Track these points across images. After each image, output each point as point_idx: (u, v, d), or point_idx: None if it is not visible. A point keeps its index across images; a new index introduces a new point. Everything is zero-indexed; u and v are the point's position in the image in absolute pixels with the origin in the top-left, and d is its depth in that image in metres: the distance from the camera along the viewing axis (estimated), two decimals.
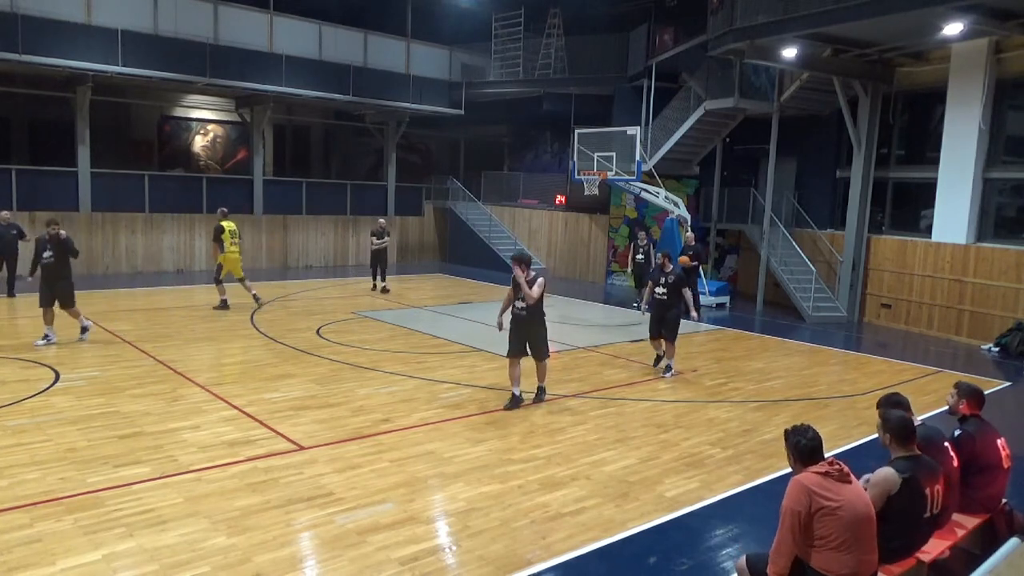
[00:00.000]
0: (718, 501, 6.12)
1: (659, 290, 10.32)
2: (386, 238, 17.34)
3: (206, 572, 4.63)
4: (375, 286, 17.17)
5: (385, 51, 21.93)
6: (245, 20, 19.17)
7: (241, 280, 14.27)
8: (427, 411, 8.19)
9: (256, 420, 7.58)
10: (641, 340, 12.68)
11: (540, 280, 8.30)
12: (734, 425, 8.17)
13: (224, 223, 14.00)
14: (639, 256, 16.06)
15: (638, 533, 5.45)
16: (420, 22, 22.60)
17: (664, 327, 10.21)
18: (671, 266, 10.64)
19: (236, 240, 14.12)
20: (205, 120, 23.13)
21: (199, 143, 23.17)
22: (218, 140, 23.52)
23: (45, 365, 9.39)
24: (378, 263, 17.22)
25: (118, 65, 17.04)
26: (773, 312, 16.84)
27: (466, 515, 5.60)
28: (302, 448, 6.85)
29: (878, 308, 16.09)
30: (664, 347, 10.42)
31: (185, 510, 5.47)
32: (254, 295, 14.44)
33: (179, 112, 22.67)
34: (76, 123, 17.87)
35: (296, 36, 20.07)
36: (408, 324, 13.20)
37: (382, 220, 18.04)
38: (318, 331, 12.26)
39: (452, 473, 6.41)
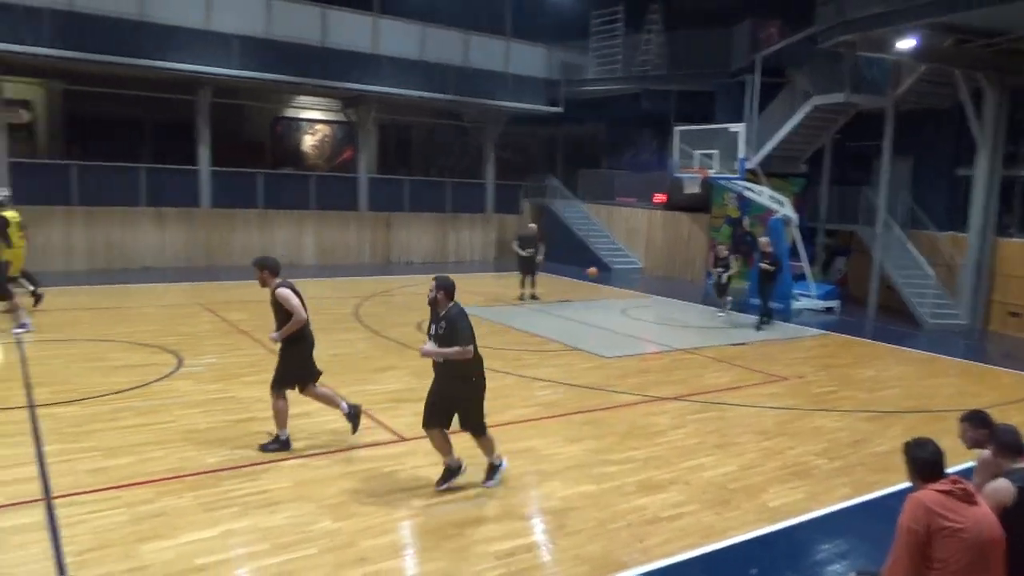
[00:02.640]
0: (825, 514, 5.89)
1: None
2: (532, 250, 15.79)
3: (313, 554, 4.84)
4: (523, 295, 16.00)
5: (485, 50, 22.19)
6: (351, 23, 19.81)
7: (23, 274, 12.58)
8: (524, 408, 8.25)
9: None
10: (743, 344, 12.36)
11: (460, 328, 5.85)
12: (843, 435, 7.83)
13: (7, 213, 11.98)
14: (719, 269, 14.58)
15: (739, 543, 5.32)
16: (519, 21, 22.73)
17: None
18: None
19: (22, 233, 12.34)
20: (314, 120, 24.08)
21: (308, 142, 24.15)
22: (326, 139, 24.43)
23: (169, 351, 10.02)
24: (526, 270, 16.04)
25: (235, 68, 17.98)
26: (886, 317, 16.02)
27: (563, 514, 5.61)
28: (403, 439, 7.04)
29: (1005, 316, 15.02)
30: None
31: (294, 493, 5.73)
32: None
33: (290, 113, 23.70)
34: (197, 124, 18.98)
35: (400, 37, 20.59)
36: (505, 321, 13.32)
37: (532, 225, 17.31)
38: (419, 325, 12.55)
39: (549, 471, 6.43)
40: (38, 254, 17.16)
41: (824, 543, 5.45)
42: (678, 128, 18.09)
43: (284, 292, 6.57)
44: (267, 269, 6.70)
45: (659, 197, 22.91)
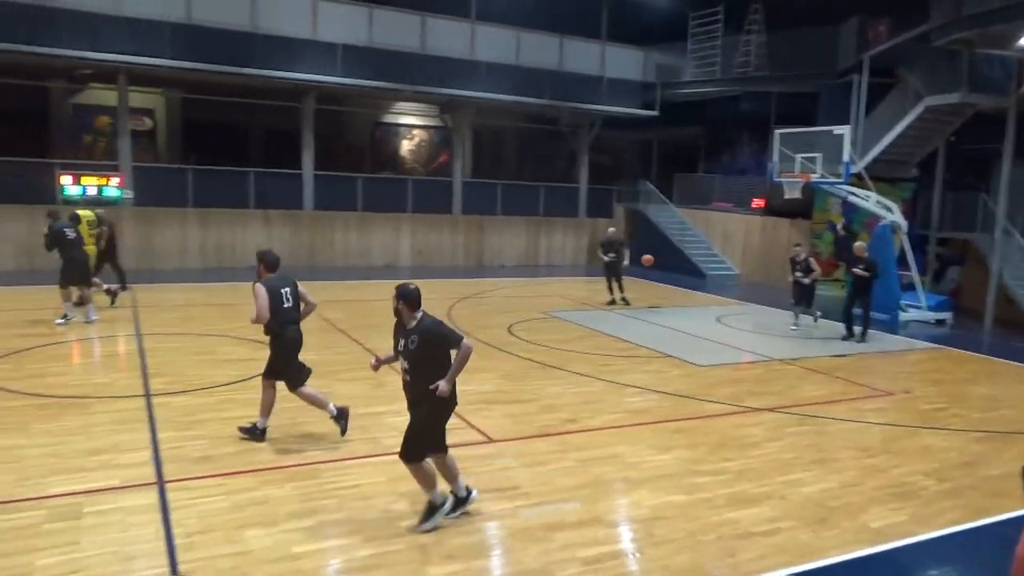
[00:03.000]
0: (931, 539, 5.57)
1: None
2: (614, 254, 15.69)
3: (402, 549, 4.97)
4: (612, 299, 15.83)
5: (580, 54, 22.16)
6: (449, 29, 20.20)
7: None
8: (613, 414, 8.19)
9: None
10: (845, 355, 11.86)
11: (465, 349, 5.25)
12: (953, 456, 7.39)
13: (81, 212, 12.94)
14: (798, 273, 13.65)
15: (837, 564, 5.10)
16: (615, 24, 22.59)
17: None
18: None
19: (95, 232, 13.17)
20: (411, 125, 24.69)
21: (406, 147, 24.78)
22: (422, 144, 25.01)
23: None
24: (612, 274, 15.88)
25: (338, 76, 18.66)
26: (1005, 332, 14.99)
27: (651, 523, 5.54)
28: (492, 440, 7.12)
29: None
30: None
31: (386, 489, 5.89)
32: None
33: (389, 118, 24.39)
34: (302, 130, 19.81)
35: (495, 42, 20.82)
36: (596, 326, 13.26)
37: (612, 229, 17.21)
38: (509, 328, 12.66)
39: (637, 479, 6.36)
40: (156, 253, 18.42)
41: (929, 569, 5.16)
42: (779, 131, 17.52)
43: (258, 288, 6.73)
44: (262, 263, 6.93)
45: (757, 202, 22.25)
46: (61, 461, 6.13)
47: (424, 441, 5.32)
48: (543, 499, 5.84)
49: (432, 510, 5.29)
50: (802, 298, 13.79)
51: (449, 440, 7.05)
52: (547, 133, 26.05)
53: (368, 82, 19.17)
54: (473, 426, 7.50)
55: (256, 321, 6.73)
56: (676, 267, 22.12)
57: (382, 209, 21.11)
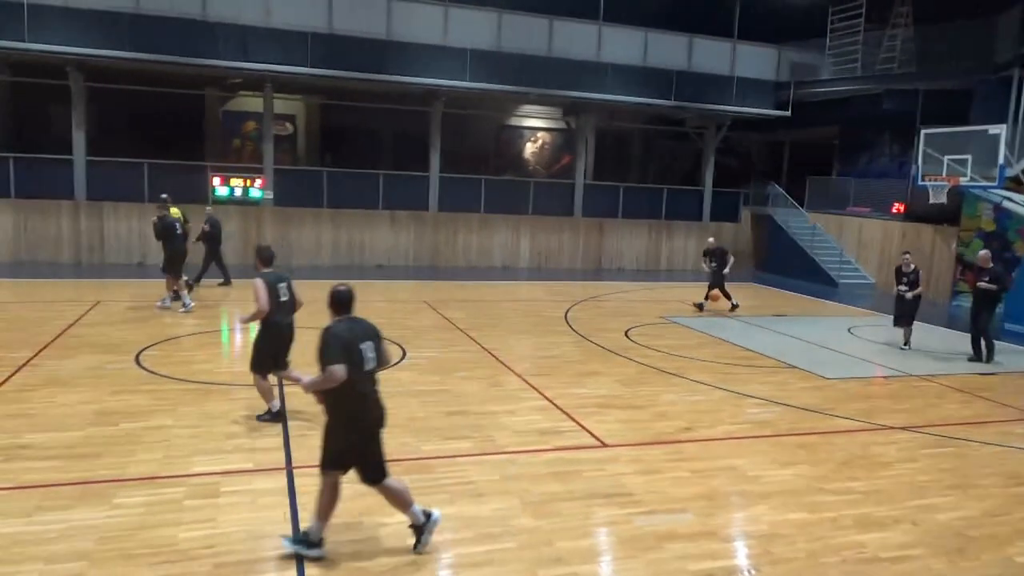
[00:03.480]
0: None
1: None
2: (717, 263, 15.17)
3: (512, 547, 5.03)
4: (702, 304, 15.34)
5: (709, 53, 21.58)
6: (576, 32, 20.21)
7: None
8: (732, 425, 7.94)
9: (564, 412, 8.00)
10: (992, 374, 10.95)
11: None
12: None
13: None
14: (902, 287, 12.29)
15: None
16: (747, 21, 21.84)
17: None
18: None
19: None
20: (535, 128, 24.91)
21: (529, 149, 25.04)
22: (546, 146, 25.18)
23: (395, 343, 10.88)
24: (715, 283, 15.31)
25: (467, 80, 19.11)
26: None
27: (769, 540, 5.33)
28: (605, 445, 7.08)
29: None
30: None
31: (499, 487, 5.98)
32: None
33: (514, 121, 24.71)
34: (430, 133, 20.44)
35: (622, 44, 20.62)
36: (717, 333, 12.88)
37: (711, 239, 16.53)
38: (626, 333, 12.53)
39: (756, 493, 6.14)
40: (292, 250, 19.54)
41: None
42: (925, 131, 16.37)
43: (257, 282, 7.03)
44: (258, 258, 7.32)
45: (897, 207, 20.87)
46: (203, 442, 6.64)
47: (332, 454, 4.89)
48: (656, 507, 5.75)
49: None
50: (902, 316, 12.33)
51: (563, 442, 7.11)
52: (673, 134, 25.57)
53: (495, 86, 19.51)
54: (586, 429, 7.48)
55: (257, 315, 7.07)
56: (806, 274, 21.11)
57: (504, 211, 21.42)
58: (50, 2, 16.10)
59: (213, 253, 15.28)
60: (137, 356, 9.47)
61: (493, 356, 10.44)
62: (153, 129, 19.84)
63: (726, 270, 15.26)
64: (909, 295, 12.11)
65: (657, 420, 7.94)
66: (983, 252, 12.04)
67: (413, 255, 20.65)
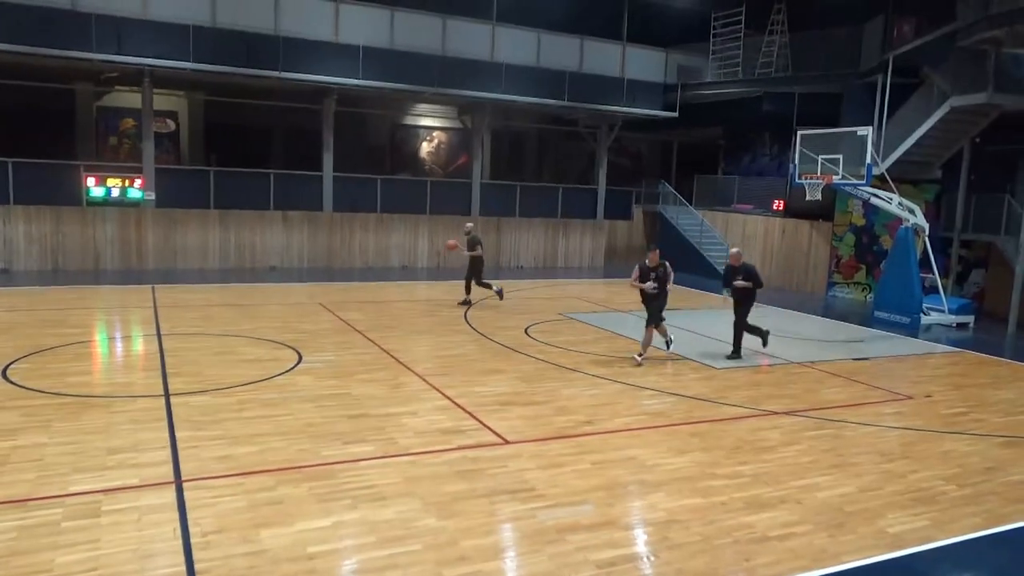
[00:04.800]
0: (951, 544, 5.49)
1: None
2: (476, 250, 14.82)
3: (417, 550, 4.97)
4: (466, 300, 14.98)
5: (600, 55, 22.10)
6: (469, 32, 20.24)
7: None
8: (629, 416, 8.16)
9: (466, 411, 7.99)
10: (866, 359, 11.75)
11: None
12: (974, 461, 7.28)
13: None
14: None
15: (854, 569, 5.04)
16: (636, 25, 22.52)
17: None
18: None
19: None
20: (431, 127, 24.77)
21: (425, 149, 24.87)
22: (442, 146, 25.08)
23: (291, 347, 10.57)
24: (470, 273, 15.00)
25: (359, 79, 18.76)
26: None
27: (666, 526, 5.51)
28: (507, 442, 7.12)
29: None
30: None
31: (402, 489, 5.91)
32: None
33: (409, 120, 24.48)
34: (323, 132, 19.94)
35: (516, 44, 20.81)
36: (613, 328, 13.22)
37: (469, 223, 16.26)
38: (526, 330, 12.66)
39: (653, 481, 6.33)
40: (177, 253, 18.62)
41: (950, 575, 5.09)
42: (801, 132, 17.38)
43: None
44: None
45: (778, 204, 22.08)
46: (81, 459, 6.22)
47: None
48: (558, 501, 5.83)
49: None
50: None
51: (466, 441, 7.11)
52: (566, 134, 26.03)
53: (389, 84, 19.24)
54: (488, 427, 7.50)
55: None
56: (695, 269, 21.99)
57: (401, 210, 21.19)
58: None
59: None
60: (4, 370, 8.77)
61: (393, 357, 10.31)
62: (17, 125, 18.41)
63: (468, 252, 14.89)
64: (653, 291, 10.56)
65: (558, 415, 8.06)
66: (734, 250, 11.57)
67: (308, 256, 20.12)
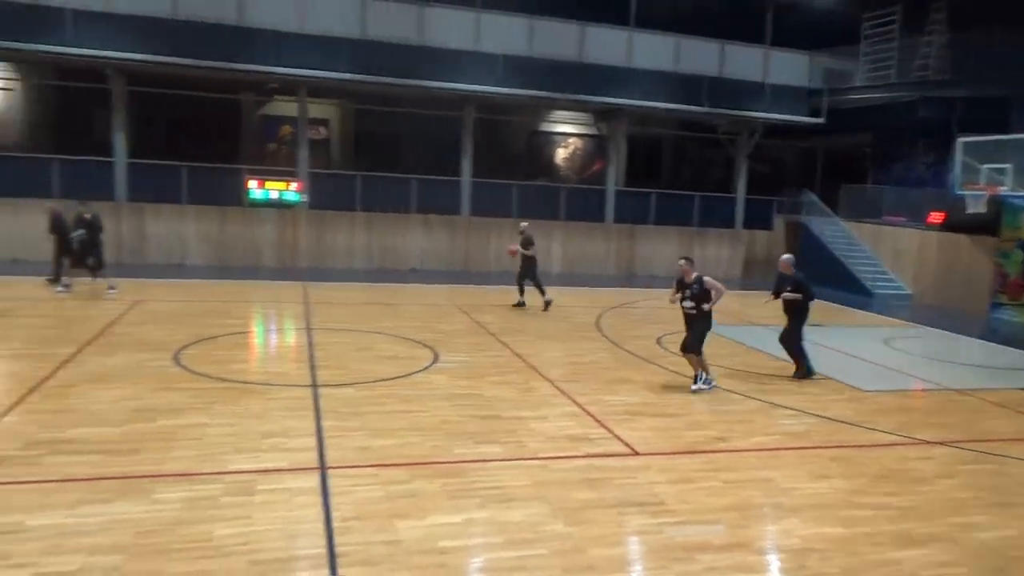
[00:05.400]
0: None
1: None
2: (530, 250, 14.63)
3: (544, 554, 5.02)
4: (521, 302, 14.75)
5: (741, 59, 21.44)
6: (608, 38, 20.21)
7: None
8: (765, 436, 7.86)
9: (596, 419, 7.98)
10: None
11: None
12: None
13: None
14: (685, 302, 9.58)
15: None
16: (780, 27, 21.65)
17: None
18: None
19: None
20: (567, 134, 24.93)
21: (560, 155, 25.06)
22: (577, 152, 25.18)
23: (428, 347, 10.96)
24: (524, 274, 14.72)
25: (498, 86, 19.19)
26: None
27: (802, 554, 5.27)
28: (637, 453, 7.05)
29: None
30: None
31: (530, 493, 5.99)
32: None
33: (545, 127, 24.76)
34: (462, 138, 20.55)
35: (654, 49, 20.57)
36: (750, 342, 12.76)
37: (524, 223, 15.90)
38: (658, 340, 12.47)
39: (789, 506, 6.07)
40: (326, 252, 19.77)
41: None
42: (962, 139, 16.09)
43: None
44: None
45: (935, 216, 20.52)
46: (239, 441, 6.74)
47: None
48: (688, 518, 5.71)
49: None
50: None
51: (594, 449, 7.10)
52: (704, 141, 25.41)
53: (527, 91, 19.58)
54: (618, 437, 7.46)
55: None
56: (840, 284, 20.81)
57: (536, 216, 21.42)
58: (92, 7, 16.49)
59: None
60: (176, 355, 9.64)
61: (524, 361, 10.45)
62: (191, 133, 20.21)
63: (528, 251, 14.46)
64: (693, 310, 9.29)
65: (690, 429, 7.89)
66: (785, 257, 10.77)
67: (446, 259, 20.77)
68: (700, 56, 21.02)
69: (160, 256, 18.64)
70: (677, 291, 9.34)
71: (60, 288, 13.76)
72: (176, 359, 9.46)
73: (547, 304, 14.53)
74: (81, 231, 13.88)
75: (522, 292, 14.74)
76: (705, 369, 9.39)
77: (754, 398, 9.24)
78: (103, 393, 7.88)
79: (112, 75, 17.77)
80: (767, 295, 10.72)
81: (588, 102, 20.52)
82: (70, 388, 8.01)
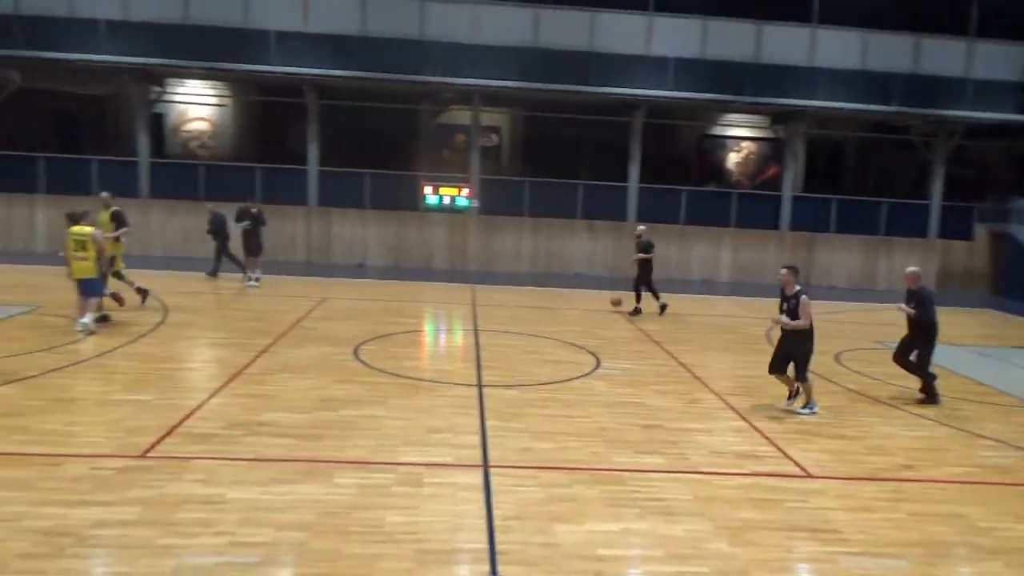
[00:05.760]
0: None
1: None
2: (646, 253, 14.17)
3: (705, 572, 4.87)
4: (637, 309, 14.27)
5: (939, 53, 19.63)
6: (786, 35, 19.26)
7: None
8: (960, 467, 7.13)
9: (764, 437, 7.62)
10: None
11: None
12: None
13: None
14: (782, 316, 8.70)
15: None
16: (986, 16, 19.58)
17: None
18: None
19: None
20: (740, 137, 24.01)
21: (733, 160, 24.18)
22: (750, 157, 24.18)
23: (590, 352, 10.97)
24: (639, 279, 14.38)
25: (669, 90, 18.87)
26: None
27: None
28: (810, 476, 6.65)
29: None
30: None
31: (692, 508, 5.82)
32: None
33: (717, 130, 23.99)
34: (630, 144, 20.39)
35: (838, 46, 19.38)
36: (945, 363, 11.60)
37: (641, 227, 15.27)
38: (836, 357, 11.69)
39: (988, 547, 5.46)
40: (494, 257, 20.34)
41: None
42: None
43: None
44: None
45: None
46: (409, 434, 7.10)
47: None
48: (866, 550, 5.30)
49: None
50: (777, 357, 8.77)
51: (763, 468, 6.77)
52: (893, 143, 23.49)
53: (699, 95, 19.12)
54: (789, 457, 7.07)
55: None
56: None
57: (704, 223, 20.85)
58: (293, 28, 18.09)
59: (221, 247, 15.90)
60: (356, 349, 10.32)
61: (689, 371, 10.19)
62: (375, 142, 21.57)
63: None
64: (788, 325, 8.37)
65: (871, 454, 7.32)
66: (910, 270, 9.64)
67: (611, 265, 20.69)
68: (891, 51, 19.52)
69: (344, 257, 20.05)
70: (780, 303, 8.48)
71: (251, 281, 15.24)
72: (356, 354, 10.12)
73: (663, 308, 14.39)
74: (247, 222, 15.45)
75: (639, 299, 14.47)
76: (795, 392, 8.57)
77: (948, 425, 8.43)
78: (294, 382, 8.60)
79: (307, 90, 19.36)
80: (955, 310, 9.66)
81: (766, 104, 19.66)
82: (266, 376, 8.81)
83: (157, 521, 5.09)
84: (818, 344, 12.36)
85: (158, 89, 20.33)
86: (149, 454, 6.25)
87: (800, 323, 8.13)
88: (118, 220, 12.18)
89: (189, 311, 12.48)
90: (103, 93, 22.00)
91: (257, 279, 15.34)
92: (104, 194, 12.84)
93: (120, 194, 18.63)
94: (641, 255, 14.35)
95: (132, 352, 9.66)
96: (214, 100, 22.47)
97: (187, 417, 7.20)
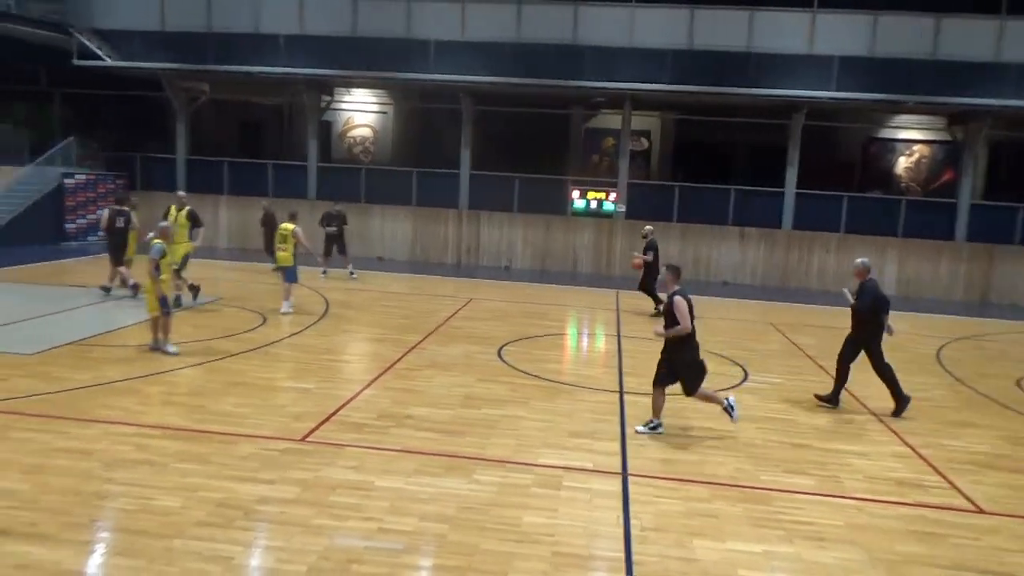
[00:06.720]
0: None
1: None
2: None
3: None
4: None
5: None
6: (969, 29, 17.65)
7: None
8: None
9: (930, 465, 7.04)
10: None
11: None
12: None
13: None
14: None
15: None
16: None
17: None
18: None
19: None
20: (911, 140, 22.27)
21: (902, 164, 22.46)
22: (923, 161, 22.36)
23: (738, 364, 10.59)
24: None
25: (834, 91, 17.83)
26: None
27: None
28: (982, 511, 6.07)
29: None
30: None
31: (844, 535, 5.49)
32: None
33: (885, 133, 22.39)
34: (788, 147, 19.46)
35: None
36: None
37: (649, 226, 15.10)
38: (1019, 382, 10.59)
39: None
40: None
41: None
42: None
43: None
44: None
45: None
46: (549, 436, 7.17)
47: None
48: None
49: None
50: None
51: (926, 499, 6.27)
52: None
53: (867, 95, 17.96)
54: (958, 489, 6.49)
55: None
56: None
57: (867, 231, 19.52)
58: (451, 38, 18.78)
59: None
60: (500, 350, 10.56)
61: (846, 390, 9.57)
62: (525, 147, 21.95)
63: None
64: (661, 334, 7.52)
65: None
66: (858, 261, 9.12)
67: (761, 274, 19.87)
68: None
69: (491, 259, 20.55)
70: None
71: (325, 272, 16.36)
72: (500, 354, 10.35)
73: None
74: (333, 227, 16.42)
75: (656, 299, 13.91)
76: (655, 411, 7.54)
77: None
78: (440, 378, 8.94)
79: (463, 96, 20.02)
80: None
81: (943, 104, 18.12)
82: (415, 371, 9.21)
83: (313, 502, 5.46)
84: (992, 365, 11.28)
85: (327, 98, 21.78)
86: (308, 439, 6.73)
87: (676, 330, 7.26)
88: (193, 219, 12.53)
89: (347, 307, 13.29)
90: (279, 103, 23.90)
91: (352, 273, 16.38)
92: (180, 192, 14.34)
93: (291, 196, 20.36)
94: (641, 257, 14.13)
95: (297, 343, 10.42)
96: (376, 108, 23.76)
97: (342, 406, 7.67)
